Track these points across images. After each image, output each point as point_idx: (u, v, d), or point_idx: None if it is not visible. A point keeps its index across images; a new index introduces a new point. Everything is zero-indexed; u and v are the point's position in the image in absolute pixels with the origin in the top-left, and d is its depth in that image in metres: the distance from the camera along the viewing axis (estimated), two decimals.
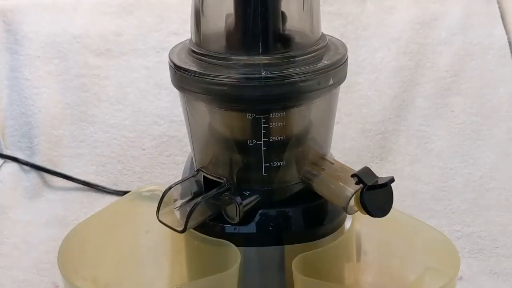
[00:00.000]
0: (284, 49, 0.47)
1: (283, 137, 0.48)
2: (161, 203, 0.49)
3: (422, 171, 0.84)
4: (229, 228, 0.49)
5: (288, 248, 0.49)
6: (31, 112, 0.85)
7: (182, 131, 0.85)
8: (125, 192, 0.79)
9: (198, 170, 0.52)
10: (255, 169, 0.49)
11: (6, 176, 0.83)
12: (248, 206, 0.48)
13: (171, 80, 0.50)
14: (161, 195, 0.50)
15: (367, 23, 0.89)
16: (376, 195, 0.45)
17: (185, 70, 0.47)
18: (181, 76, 0.48)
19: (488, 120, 0.86)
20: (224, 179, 0.50)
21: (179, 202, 0.51)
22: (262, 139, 0.47)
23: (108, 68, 0.87)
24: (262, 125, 0.47)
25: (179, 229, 0.48)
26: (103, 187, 0.84)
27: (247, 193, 0.48)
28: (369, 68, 0.87)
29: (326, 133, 0.51)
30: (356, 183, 0.45)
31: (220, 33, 0.48)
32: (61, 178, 0.84)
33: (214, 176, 0.50)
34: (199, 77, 0.46)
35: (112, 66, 0.87)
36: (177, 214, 0.51)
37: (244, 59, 0.46)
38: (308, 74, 0.45)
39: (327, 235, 0.51)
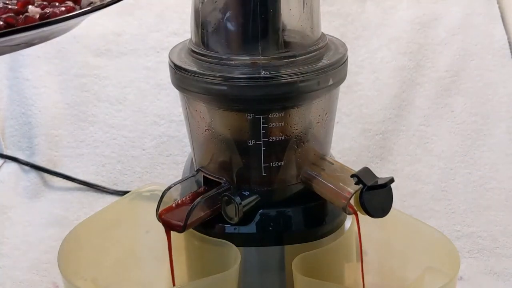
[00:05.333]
0: (283, 49, 0.47)
1: (283, 137, 0.48)
2: (160, 203, 0.49)
3: (422, 171, 0.84)
4: (229, 228, 0.49)
5: (288, 248, 0.50)
6: (31, 112, 0.85)
7: (182, 131, 0.85)
8: (125, 192, 0.79)
9: (198, 170, 0.52)
10: (255, 169, 0.49)
11: (6, 176, 0.83)
12: (248, 206, 0.48)
13: (171, 80, 0.50)
14: (161, 195, 0.50)
15: (367, 23, 0.89)
16: (375, 196, 0.45)
17: (185, 70, 0.47)
18: (181, 76, 0.48)
19: (488, 120, 0.86)
20: (224, 179, 0.50)
21: None
22: (262, 139, 0.47)
23: (108, 68, 0.87)
24: (262, 125, 0.47)
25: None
26: (103, 187, 0.84)
27: (246, 193, 0.48)
28: (369, 68, 0.87)
29: (326, 133, 0.51)
30: (356, 184, 0.45)
31: (220, 33, 0.48)
32: (61, 178, 0.84)
33: (214, 176, 0.51)
34: (199, 77, 0.46)
35: (112, 66, 0.87)
36: None
37: (244, 59, 0.46)
38: (307, 74, 0.45)
39: (327, 235, 0.51)
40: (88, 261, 0.53)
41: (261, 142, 0.47)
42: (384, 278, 0.57)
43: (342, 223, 0.53)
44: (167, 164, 0.85)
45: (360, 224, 0.49)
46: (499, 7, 0.91)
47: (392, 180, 0.45)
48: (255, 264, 0.50)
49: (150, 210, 0.50)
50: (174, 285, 0.53)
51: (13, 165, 0.85)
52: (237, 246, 0.48)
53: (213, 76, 0.46)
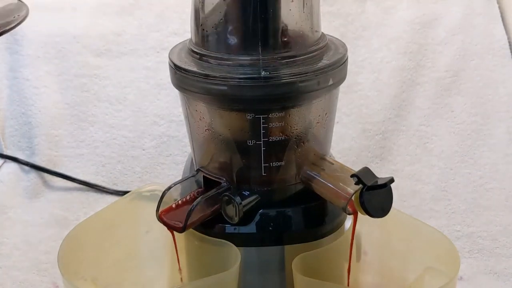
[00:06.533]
0: (283, 49, 0.47)
1: (283, 137, 0.48)
2: (160, 203, 0.49)
3: (422, 171, 0.84)
4: (229, 228, 0.49)
5: (288, 248, 0.50)
6: (31, 112, 0.85)
7: (182, 131, 0.85)
8: (125, 192, 0.79)
9: (198, 170, 0.52)
10: (255, 169, 0.49)
11: (6, 176, 0.83)
12: (248, 206, 0.48)
13: (171, 80, 0.50)
14: (161, 195, 0.50)
15: (367, 23, 0.89)
16: (375, 196, 0.45)
17: (185, 70, 0.47)
18: (181, 76, 0.48)
19: (488, 120, 0.86)
20: (224, 179, 0.50)
21: None
22: (262, 139, 0.47)
23: (108, 68, 0.87)
24: (262, 125, 0.47)
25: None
26: (103, 187, 0.84)
27: (246, 193, 0.49)
28: (369, 68, 0.87)
29: (326, 133, 0.51)
30: (356, 184, 0.45)
31: (220, 33, 0.48)
32: (61, 178, 0.84)
33: (214, 176, 0.51)
34: (199, 77, 0.46)
35: (112, 66, 0.87)
36: None
37: (244, 59, 0.46)
38: (307, 74, 0.45)
39: (327, 235, 0.51)
40: (88, 261, 0.53)
41: (261, 142, 0.47)
42: (384, 278, 0.57)
43: (342, 223, 0.53)
44: (167, 164, 0.85)
45: (360, 224, 0.49)
46: (499, 7, 0.91)
47: (392, 180, 0.45)
48: (255, 264, 0.50)
49: (150, 210, 0.50)
50: (181, 281, 0.53)
51: (13, 165, 0.85)
52: (237, 246, 0.48)
53: (213, 76, 0.46)
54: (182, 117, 0.53)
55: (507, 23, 0.91)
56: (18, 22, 0.46)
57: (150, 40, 0.87)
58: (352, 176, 0.45)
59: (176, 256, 0.55)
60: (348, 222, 0.53)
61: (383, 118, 0.86)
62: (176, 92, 0.50)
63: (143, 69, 0.87)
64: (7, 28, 0.45)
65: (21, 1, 0.50)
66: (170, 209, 0.50)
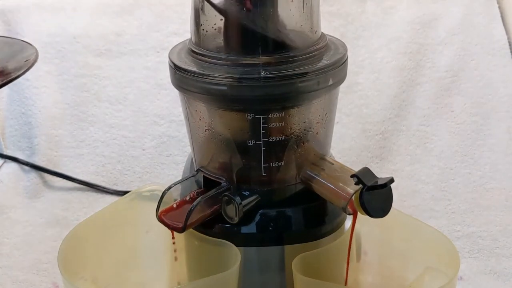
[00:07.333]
0: (283, 49, 0.47)
1: (283, 138, 0.48)
2: (160, 203, 0.49)
3: (422, 171, 0.84)
4: (229, 228, 0.49)
5: (288, 248, 0.50)
6: (31, 112, 0.85)
7: (182, 131, 0.85)
8: (125, 192, 0.79)
9: (198, 170, 0.52)
10: (255, 169, 0.49)
11: (6, 176, 0.83)
12: (248, 206, 0.48)
13: (171, 80, 0.50)
14: (161, 195, 0.50)
15: (367, 23, 0.89)
16: (375, 196, 0.45)
17: (185, 70, 0.47)
18: (180, 76, 0.48)
19: (488, 120, 0.86)
20: (224, 179, 0.50)
21: None
22: (262, 139, 0.47)
23: (108, 68, 0.87)
24: (262, 125, 0.47)
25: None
26: (103, 187, 0.84)
27: (246, 193, 0.49)
28: (369, 68, 0.87)
29: (326, 133, 0.51)
30: (356, 184, 0.45)
31: (220, 33, 0.48)
32: (61, 178, 0.84)
33: (214, 176, 0.51)
34: (199, 77, 0.46)
35: (112, 66, 0.87)
36: None
37: (244, 59, 0.46)
38: (307, 74, 0.45)
39: (327, 235, 0.51)
40: (88, 261, 0.53)
41: (261, 142, 0.47)
42: (384, 278, 0.57)
43: (342, 223, 0.53)
44: (167, 164, 0.85)
45: (360, 224, 0.49)
46: (499, 7, 0.91)
47: (392, 180, 0.45)
48: (255, 264, 0.50)
49: (150, 210, 0.50)
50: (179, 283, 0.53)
51: (13, 165, 0.85)
52: (237, 246, 0.48)
53: (213, 76, 0.46)
54: (182, 117, 0.53)
55: (507, 23, 0.91)
56: (28, 66, 0.45)
57: (150, 40, 0.87)
58: (352, 176, 0.45)
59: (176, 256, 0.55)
60: (348, 222, 0.53)
61: (383, 118, 0.86)
62: (176, 92, 0.50)
63: (143, 69, 0.87)
64: (19, 74, 0.44)
65: (26, 42, 0.49)
66: (170, 209, 0.50)
